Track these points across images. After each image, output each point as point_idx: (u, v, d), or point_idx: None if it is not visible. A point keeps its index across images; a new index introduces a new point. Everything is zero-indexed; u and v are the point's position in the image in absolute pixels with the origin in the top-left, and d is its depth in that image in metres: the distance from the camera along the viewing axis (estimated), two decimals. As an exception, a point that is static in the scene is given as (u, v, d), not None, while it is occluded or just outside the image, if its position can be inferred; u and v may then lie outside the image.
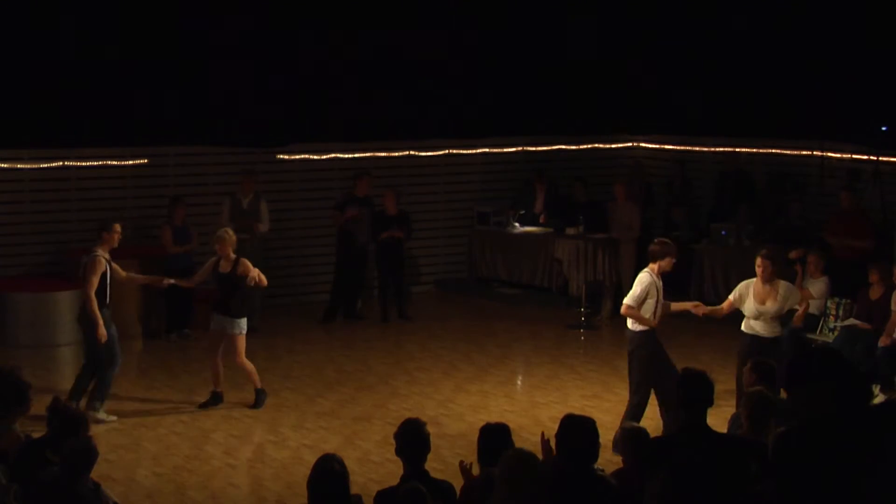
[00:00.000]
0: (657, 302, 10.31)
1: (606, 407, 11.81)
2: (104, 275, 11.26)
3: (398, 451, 6.64)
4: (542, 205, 17.32)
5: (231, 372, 12.92)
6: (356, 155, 17.11)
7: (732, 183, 17.17)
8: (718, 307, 10.90)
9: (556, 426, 6.38)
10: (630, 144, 19.51)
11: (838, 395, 4.89)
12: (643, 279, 10.31)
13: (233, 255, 11.78)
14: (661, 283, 10.36)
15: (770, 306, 10.48)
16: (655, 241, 10.66)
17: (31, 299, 14.33)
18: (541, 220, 17.19)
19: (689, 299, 13.06)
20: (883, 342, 12.12)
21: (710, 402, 6.59)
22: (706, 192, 17.91)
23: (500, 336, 15.07)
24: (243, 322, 11.73)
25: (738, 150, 17.70)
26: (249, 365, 11.86)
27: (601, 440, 6.36)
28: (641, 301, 10.24)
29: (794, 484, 4.91)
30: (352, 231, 15.46)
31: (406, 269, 16.32)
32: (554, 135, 18.73)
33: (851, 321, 12.67)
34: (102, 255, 11.33)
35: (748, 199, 16.59)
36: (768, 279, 10.52)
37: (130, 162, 15.80)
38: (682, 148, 18.56)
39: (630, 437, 7.23)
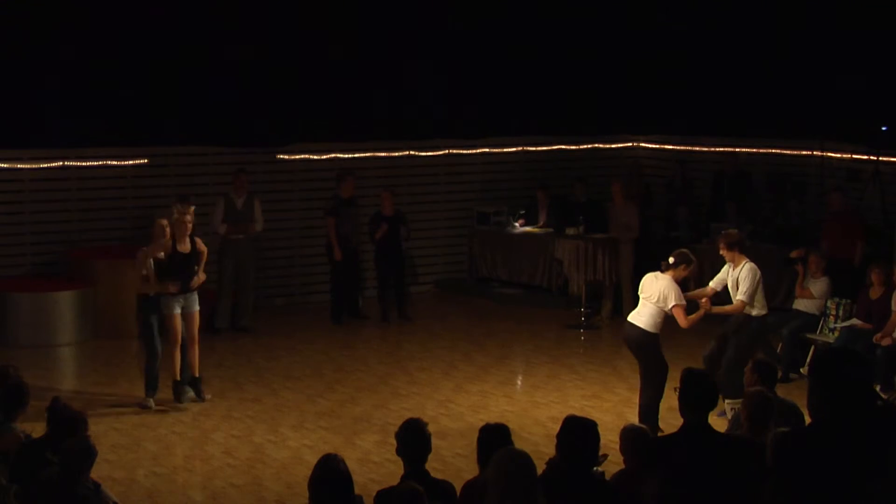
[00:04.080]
0: None
1: (606, 407, 11.82)
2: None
3: (398, 451, 6.62)
4: (545, 217, 17.29)
5: (231, 372, 12.93)
6: (356, 155, 17.09)
7: (728, 183, 17.16)
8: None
9: (556, 426, 6.37)
10: (630, 144, 19.50)
11: (846, 396, 4.88)
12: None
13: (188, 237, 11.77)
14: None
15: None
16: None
17: (31, 299, 14.31)
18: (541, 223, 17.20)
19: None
20: (885, 342, 12.10)
21: (713, 403, 6.58)
22: (705, 193, 17.90)
23: (500, 336, 15.05)
24: None
25: (737, 150, 17.69)
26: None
27: (602, 440, 6.35)
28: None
29: (793, 486, 4.90)
30: (344, 232, 15.44)
31: (406, 269, 16.30)
32: (554, 135, 18.73)
33: (852, 321, 12.67)
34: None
35: (741, 200, 16.57)
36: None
37: (130, 162, 15.79)
38: (682, 148, 18.56)
39: (630, 437, 7.23)
